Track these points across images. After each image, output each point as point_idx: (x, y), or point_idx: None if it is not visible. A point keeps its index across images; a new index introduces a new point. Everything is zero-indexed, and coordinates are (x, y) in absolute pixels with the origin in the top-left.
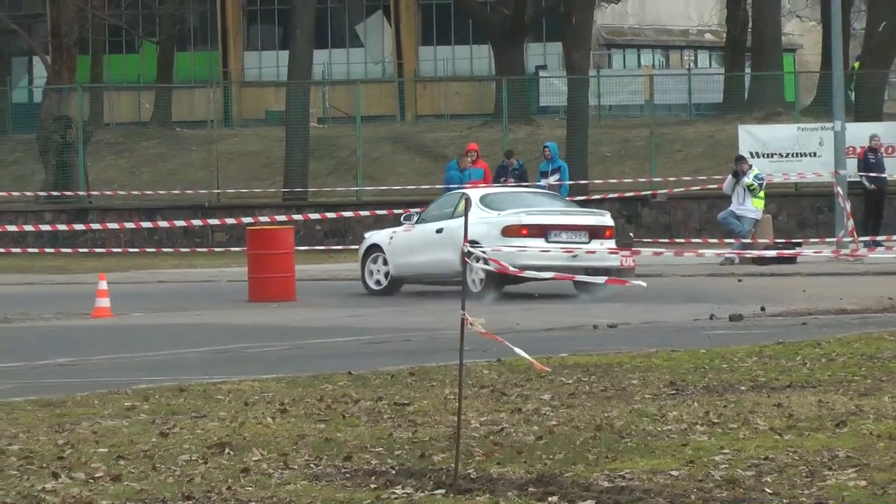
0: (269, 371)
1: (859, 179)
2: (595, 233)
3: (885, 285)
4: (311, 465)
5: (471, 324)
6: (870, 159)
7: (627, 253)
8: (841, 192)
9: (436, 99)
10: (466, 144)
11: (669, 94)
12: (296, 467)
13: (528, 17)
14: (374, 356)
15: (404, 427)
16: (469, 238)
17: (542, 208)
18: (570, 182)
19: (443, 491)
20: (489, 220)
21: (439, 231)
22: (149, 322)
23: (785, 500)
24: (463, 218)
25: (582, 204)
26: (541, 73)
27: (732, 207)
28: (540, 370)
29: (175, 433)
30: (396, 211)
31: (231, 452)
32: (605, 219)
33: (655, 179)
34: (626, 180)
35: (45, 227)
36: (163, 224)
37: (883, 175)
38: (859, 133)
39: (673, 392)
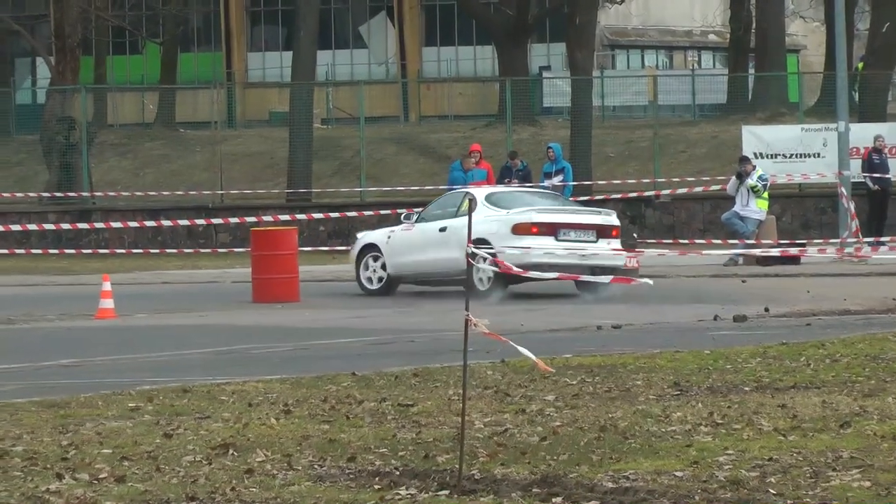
0: (272, 372)
1: (863, 180)
2: (602, 232)
3: (889, 286)
4: (315, 466)
5: (474, 325)
6: (874, 160)
7: (631, 254)
8: (845, 193)
9: (439, 100)
10: (470, 145)
11: (673, 94)
12: (300, 468)
13: (531, 18)
14: (378, 357)
15: (408, 428)
16: (478, 236)
17: (551, 207)
18: (574, 183)
19: (447, 492)
20: (499, 218)
21: (443, 230)
22: (153, 323)
23: (789, 501)
24: (470, 216)
25: (585, 205)
26: (544, 74)
27: (736, 208)
28: (544, 370)
29: (179, 434)
30: (400, 211)
31: (235, 453)
32: (612, 218)
33: (659, 180)
34: (629, 181)
35: (49, 228)
36: (167, 225)
37: (887, 176)
38: (863, 134)
39: (677, 393)
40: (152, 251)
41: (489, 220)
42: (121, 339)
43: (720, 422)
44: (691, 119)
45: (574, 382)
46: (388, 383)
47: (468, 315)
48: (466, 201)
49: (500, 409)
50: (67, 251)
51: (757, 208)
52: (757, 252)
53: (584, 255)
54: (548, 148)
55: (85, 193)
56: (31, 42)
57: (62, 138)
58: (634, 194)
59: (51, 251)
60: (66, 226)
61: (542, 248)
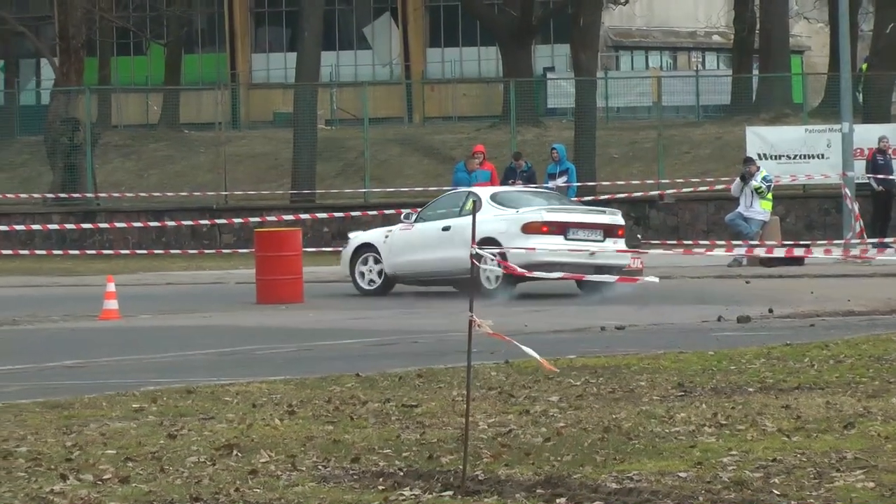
0: (276, 373)
1: (867, 181)
2: (609, 231)
3: (892, 287)
4: (319, 467)
5: (478, 325)
6: (878, 161)
7: (636, 255)
8: (849, 194)
9: (443, 101)
10: (474, 146)
11: (677, 95)
12: (304, 469)
13: (535, 19)
14: (382, 358)
15: (412, 429)
16: (487, 235)
17: (559, 206)
18: (578, 184)
19: (451, 493)
20: (508, 217)
21: (446, 229)
22: (157, 324)
23: (793, 502)
24: (473, 216)
25: (588, 205)
26: (549, 75)
27: (740, 209)
28: (549, 370)
29: (183, 435)
30: (405, 212)
31: (239, 454)
32: (618, 217)
33: (663, 181)
34: (633, 182)
35: (53, 229)
36: (171, 226)
37: (891, 177)
38: (867, 135)
39: (681, 394)
40: (156, 252)
41: (498, 219)
42: (125, 340)
43: (724, 423)
44: (695, 120)
45: (578, 383)
46: (392, 384)
47: (472, 316)
48: (471, 201)
49: (503, 410)
50: (71, 252)
51: (761, 209)
52: (761, 253)
53: (593, 254)
54: (552, 149)
55: (89, 194)
56: (36, 43)
57: (66, 139)
58: (639, 194)
59: (55, 252)
60: (70, 227)
61: (552, 247)
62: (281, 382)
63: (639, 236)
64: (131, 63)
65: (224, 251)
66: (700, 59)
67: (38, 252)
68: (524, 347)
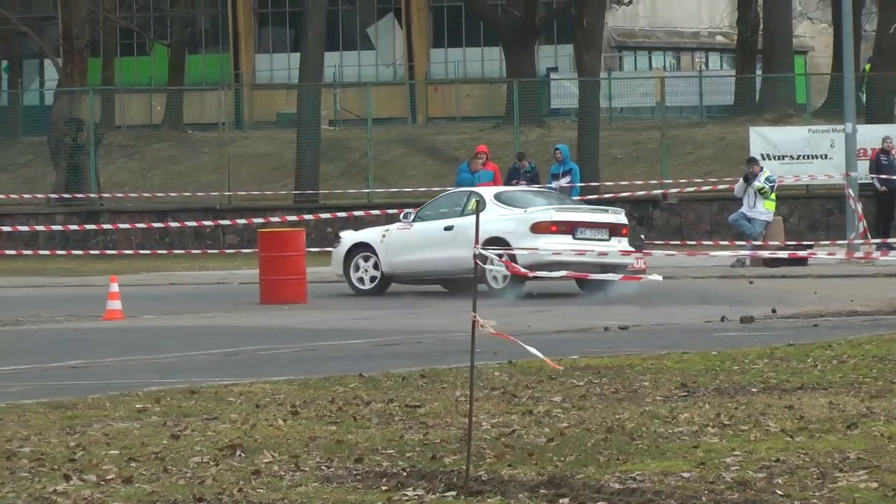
0: (280, 373)
1: (871, 181)
2: (614, 230)
3: None
4: (323, 467)
5: (482, 326)
6: (881, 161)
7: (639, 255)
8: (852, 195)
9: (447, 101)
10: (477, 147)
11: (680, 96)
12: (307, 469)
13: (539, 19)
14: (385, 358)
15: (415, 429)
16: (495, 234)
17: (566, 205)
18: (582, 184)
19: (454, 493)
20: (516, 217)
21: (448, 228)
22: (160, 324)
23: (796, 502)
24: (477, 215)
25: (591, 204)
26: (552, 76)
27: (743, 210)
28: (553, 368)
29: (186, 435)
30: (405, 212)
31: (242, 454)
32: (622, 217)
33: (666, 181)
34: (637, 182)
35: (57, 229)
36: (174, 226)
37: (894, 177)
38: (870, 135)
39: (684, 394)
40: (160, 252)
41: (505, 218)
42: (128, 341)
43: (727, 423)
44: (699, 120)
45: (581, 383)
46: (396, 384)
47: (475, 316)
48: (473, 201)
49: (507, 411)
50: (75, 252)
51: (764, 210)
52: (764, 254)
53: (598, 254)
54: (555, 149)
55: (93, 195)
56: (39, 43)
57: (70, 140)
58: (643, 194)
59: (58, 252)
60: (73, 227)
61: (561, 246)
62: (284, 383)
63: (642, 237)
64: (135, 63)
65: (227, 251)
66: (703, 60)
67: (41, 252)
68: (528, 347)
